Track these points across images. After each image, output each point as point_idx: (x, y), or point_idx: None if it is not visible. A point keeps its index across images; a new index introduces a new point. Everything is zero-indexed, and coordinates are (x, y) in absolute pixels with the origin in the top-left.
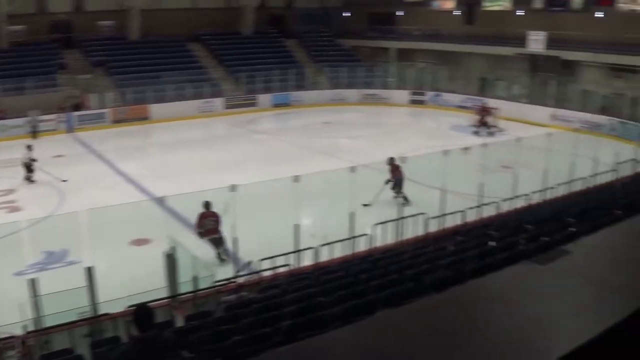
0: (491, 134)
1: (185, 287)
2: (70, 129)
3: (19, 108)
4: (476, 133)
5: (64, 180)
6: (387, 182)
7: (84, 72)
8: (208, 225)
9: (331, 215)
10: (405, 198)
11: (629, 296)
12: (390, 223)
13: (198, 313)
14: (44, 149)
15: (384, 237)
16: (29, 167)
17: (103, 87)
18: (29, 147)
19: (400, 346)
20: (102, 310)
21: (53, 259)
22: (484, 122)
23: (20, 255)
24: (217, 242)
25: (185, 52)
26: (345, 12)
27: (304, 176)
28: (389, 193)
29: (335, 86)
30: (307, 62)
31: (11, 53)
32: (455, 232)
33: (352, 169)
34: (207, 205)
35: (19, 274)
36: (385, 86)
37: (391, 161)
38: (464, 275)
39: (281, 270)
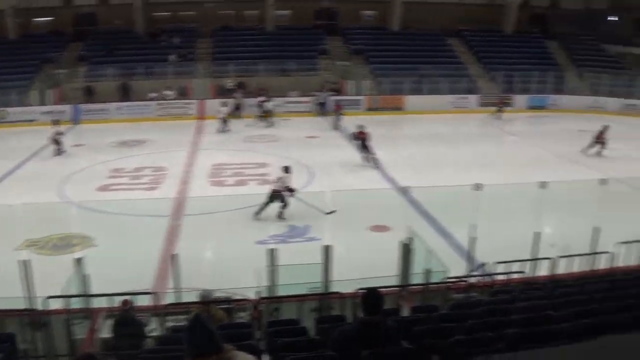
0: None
1: (416, 278)
2: (323, 112)
3: (280, 88)
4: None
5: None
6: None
7: (343, 59)
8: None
9: (573, 226)
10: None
11: None
12: (636, 244)
13: (425, 306)
14: (298, 129)
15: (628, 258)
16: (57, 142)
17: (360, 74)
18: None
19: None
20: (333, 288)
21: (295, 233)
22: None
23: (264, 225)
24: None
25: (444, 47)
26: (612, 15)
27: (551, 183)
28: None
29: (595, 93)
30: (567, 66)
31: (276, 36)
32: None
33: (603, 182)
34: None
35: (261, 242)
36: None
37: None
38: None
39: (515, 276)
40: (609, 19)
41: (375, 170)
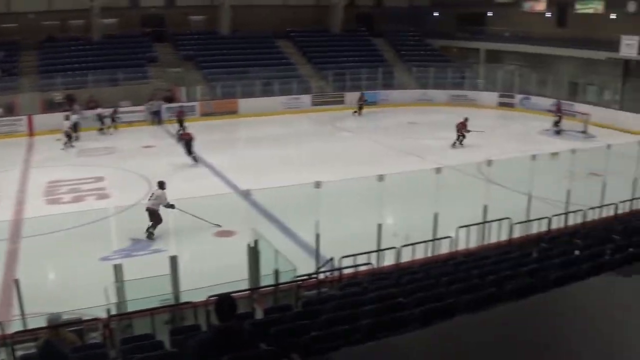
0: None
1: (266, 280)
2: (158, 121)
3: (111, 98)
4: (558, 133)
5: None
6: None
7: (174, 66)
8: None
9: (414, 216)
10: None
11: None
12: (474, 227)
13: (278, 306)
14: (134, 139)
15: (467, 241)
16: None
17: (193, 80)
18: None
19: (477, 352)
20: (184, 298)
21: (139, 246)
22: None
23: (107, 241)
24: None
25: (274, 49)
26: (435, 11)
27: (389, 176)
28: None
29: (423, 86)
30: (395, 62)
31: (103, 45)
32: (539, 239)
33: (438, 171)
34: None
35: (105, 259)
36: (473, 87)
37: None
38: (546, 283)
39: (362, 268)
40: (432, 14)
41: (206, 171)
